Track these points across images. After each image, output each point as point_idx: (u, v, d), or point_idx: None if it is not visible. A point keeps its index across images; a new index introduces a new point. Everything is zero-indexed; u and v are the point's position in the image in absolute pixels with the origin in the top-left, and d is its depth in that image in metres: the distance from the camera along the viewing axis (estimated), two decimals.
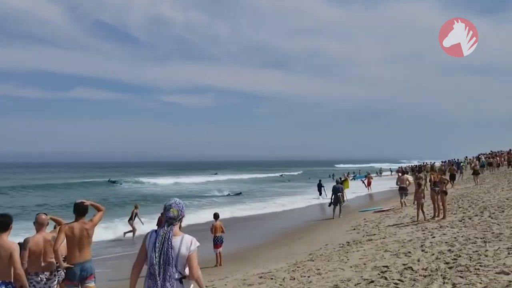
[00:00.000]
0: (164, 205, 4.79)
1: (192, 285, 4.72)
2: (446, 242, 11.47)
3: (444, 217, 16.17)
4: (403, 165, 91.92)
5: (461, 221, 14.93)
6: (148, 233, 4.78)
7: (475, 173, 32.74)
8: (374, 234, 15.15)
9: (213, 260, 14.57)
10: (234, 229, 21.19)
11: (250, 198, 42.05)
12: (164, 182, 71.31)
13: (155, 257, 4.50)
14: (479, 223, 13.91)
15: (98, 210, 7.83)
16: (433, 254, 10.24)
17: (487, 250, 9.72)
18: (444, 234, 12.90)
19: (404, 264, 9.57)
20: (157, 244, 4.54)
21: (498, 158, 47.67)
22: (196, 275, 4.57)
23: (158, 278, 4.47)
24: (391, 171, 79.45)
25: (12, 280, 6.38)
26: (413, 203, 18.56)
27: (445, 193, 16.69)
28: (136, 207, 22.24)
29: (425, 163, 61.61)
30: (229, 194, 48.07)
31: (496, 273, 7.85)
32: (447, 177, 21.44)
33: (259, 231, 21.59)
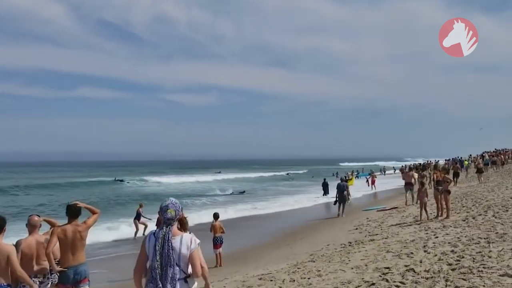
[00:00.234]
0: (160, 206, 4.67)
1: (196, 283, 4.66)
2: (449, 243, 11.28)
3: (447, 217, 15.97)
4: (407, 163, 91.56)
5: (464, 220, 14.74)
6: (146, 236, 4.69)
7: (479, 171, 32.51)
8: (377, 234, 14.96)
9: (213, 260, 14.41)
10: (236, 229, 21.07)
11: (253, 197, 41.93)
12: (168, 181, 71.25)
13: (157, 260, 4.43)
14: (483, 222, 13.72)
15: (93, 213, 7.67)
16: (435, 255, 10.05)
17: (490, 251, 9.54)
18: (447, 234, 12.71)
19: (406, 266, 9.39)
20: (157, 247, 4.46)
21: (502, 156, 47.39)
22: (200, 273, 4.52)
23: (158, 282, 4.39)
24: (394, 169, 79.14)
25: (10, 283, 6.26)
26: (416, 202, 18.35)
27: (449, 192, 16.49)
28: (140, 206, 22.12)
29: (429, 161, 61.37)
30: (232, 193, 47.94)
31: (499, 275, 7.67)
32: (450, 176, 21.21)
33: (261, 230, 21.42)
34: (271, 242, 18.05)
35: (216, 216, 15.17)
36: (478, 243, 10.65)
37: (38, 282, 7.49)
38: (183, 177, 78.43)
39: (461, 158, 55.92)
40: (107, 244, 19.42)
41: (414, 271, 8.80)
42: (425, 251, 10.67)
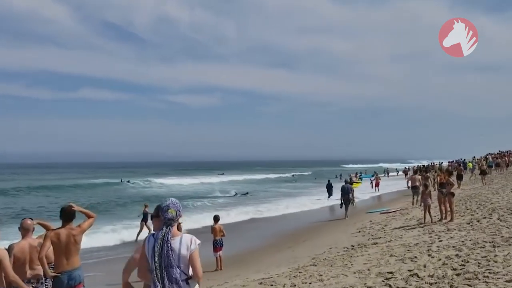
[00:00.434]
0: (161, 206, 4.56)
1: (197, 285, 4.53)
2: (453, 247, 11.06)
3: (451, 220, 15.74)
4: (410, 165, 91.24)
5: (469, 223, 14.51)
6: (146, 238, 4.60)
7: (483, 173, 32.26)
8: (380, 237, 14.74)
9: (213, 264, 14.22)
10: (237, 231, 20.92)
11: (256, 199, 41.76)
12: (171, 182, 71.15)
13: (155, 262, 4.33)
14: (488, 226, 13.50)
15: (89, 217, 7.50)
16: (440, 260, 9.84)
17: (496, 256, 9.32)
18: (451, 237, 12.48)
19: (409, 270, 9.18)
20: (156, 248, 4.36)
21: (506, 158, 47.05)
22: (201, 275, 4.41)
23: (157, 284, 4.31)
24: (397, 171, 78.76)
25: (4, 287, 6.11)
26: (420, 204, 18.12)
27: (453, 194, 16.25)
28: (145, 206, 21.95)
29: (432, 163, 61.10)
30: (235, 194, 47.75)
31: (506, 281, 7.46)
32: (454, 178, 20.97)
33: (263, 233, 21.24)
34: (273, 244, 17.86)
35: (216, 218, 14.97)
36: (483, 247, 10.43)
37: (32, 287, 7.31)
38: (185, 178, 78.34)
39: (464, 160, 55.63)
40: (108, 247, 19.22)
41: (418, 276, 8.60)
42: (429, 255, 10.45)
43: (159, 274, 4.32)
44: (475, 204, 19.09)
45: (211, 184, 67.69)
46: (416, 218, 17.97)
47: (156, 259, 4.33)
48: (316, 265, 11.79)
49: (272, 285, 10.16)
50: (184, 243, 4.40)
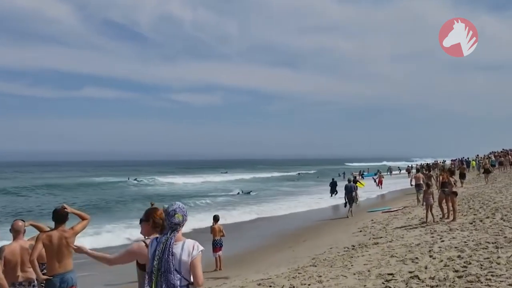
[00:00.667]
0: (167, 210, 4.39)
1: None
2: (455, 247, 10.89)
3: (454, 219, 15.55)
4: (414, 163, 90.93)
5: (471, 223, 14.32)
6: (150, 241, 4.48)
7: (486, 171, 32.03)
8: (381, 237, 14.55)
9: (213, 264, 14.07)
10: (238, 231, 20.80)
11: (259, 197, 41.51)
12: (173, 181, 70.89)
13: (154, 266, 4.21)
14: (491, 226, 13.32)
15: (82, 218, 7.34)
16: (441, 261, 9.67)
17: (499, 257, 9.15)
18: (453, 238, 12.30)
19: (410, 272, 9.02)
20: (157, 252, 4.24)
21: (510, 156, 46.71)
22: (201, 282, 4.23)
23: None
24: (400, 170, 78.30)
25: None
26: (422, 204, 17.92)
27: (455, 194, 16.04)
28: (152, 205, 21.77)
29: (436, 162, 60.82)
30: (238, 193, 47.49)
31: (508, 284, 7.30)
32: (456, 177, 20.75)
33: (265, 232, 21.06)
34: (273, 244, 17.68)
35: (216, 218, 14.81)
36: (486, 248, 10.26)
37: None
38: (188, 177, 78.16)
39: (467, 158, 55.32)
40: (111, 247, 19.03)
41: (418, 278, 8.43)
42: (430, 256, 10.28)
43: (155, 278, 4.20)
44: (478, 204, 18.89)
45: (214, 183, 67.46)
46: (418, 218, 17.78)
47: (155, 262, 4.22)
48: (316, 266, 11.62)
49: (270, 286, 10.01)
50: (186, 248, 4.27)
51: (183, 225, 4.41)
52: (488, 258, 9.25)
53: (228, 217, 25.18)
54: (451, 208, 15.97)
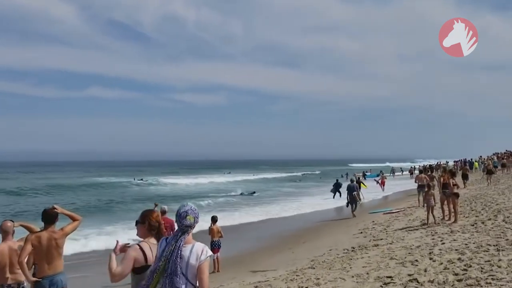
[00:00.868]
0: (178, 212, 4.27)
1: None
2: (456, 250, 10.70)
3: (455, 221, 15.36)
4: (417, 164, 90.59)
5: (473, 225, 14.13)
6: (160, 240, 4.40)
7: (488, 173, 31.79)
8: (381, 239, 14.37)
9: (211, 265, 13.88)
10: (238, 231, 20.70)
11: (262, 198, 41.39)
12: (177, 181, 70.74)
13: (159, 266, 4.11)
14: (492, 228, 13.13)
15: (73, 219, 7.19)
16: (441, 263, 9.49)
17: (500, 260, 8.96)
18: (454, 240, 12.11)
19: (409, 275, 8.84)
20: (165, 252, 4.14)
21: None
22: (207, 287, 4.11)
23: None
24: (402, 171, 77.91)
25: None
26: (422, 205, 17.73)
27: (457, 195, 15.83)
28: (155, 205, 21.64)
29: (439, 163, 60.59)
30: (241, 193, 47.29)
31: None
32: (459, 178, 20.56)
33: (265, 233, 20.88)
34: (273, 246, 17.49)
35: (214, 219, 14.66)
36: (487, 251, 10.07)
37: None
38: (191, 177, 78.04)
39: (471, 159, 55.03)
40: (109, 249, 18.92)
41: (417, 282, 8.26)
42: (430, 259, 10.10)
43: (156, 279, 4.09)
44: (480, 205, 18.68)
45: (217, 183, 67.27)
46: (419, 219, 17.59)
47: (161, 263, 4.10)
48: (314, 268, 11.47)
49: None
50: (195, 252, 4.16)
51: (194, 227, 4.30)
52: (489, 261, 9.07)
53: (229, 218, 25.06)
54: (452, 210, 15.78)
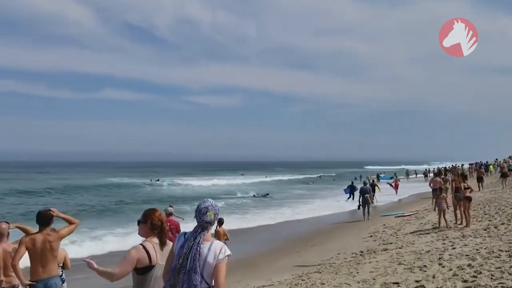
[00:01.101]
0: (198, 208, 4.18)
1: None
2: (466, 255, 10.39)
3: (467, 225, 15.02)
4: (432, 167, 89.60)
5: (485, 230, 13.78)
6: (178, 235, 4.29)
7: (503, 175, 31.24)
8: (391, 243, 14.09)
9: None
10: (248, 234, 20.52)
11: (274, 200, 41.12)
12: (190, 182, 70.53)
13: (178, 263, 3.98)
14: (505, 233, 12.78)
15: (70, 223, 7.04)
16: (450, 269, 9.21)
17: (511, 267, 8.64)
18: (465, 245, 11.79)
19: (417, 281, 8.59)
20: (185, 249, 4.00)
21: None
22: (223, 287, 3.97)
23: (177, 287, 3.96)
24: (416, 173, 77.02)
25: None
26: (434, 209, 17.36)
27: (469, 199, 15.45)
28: (170, 207, 21.57)
29: (454, 165, 59.87)
30: (254, 195, 46.97)
31: None
32: (473, 181, 20.16)
33: (275, 236, 20.69)
34: (281, 249, 17.26)
35: (220, 221, 14.44)
36: (498, 257, 9.76)
37: None
38: (205, 179, 77.83)
39: (486, 162, 54.27)
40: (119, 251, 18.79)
41: None
42: (439, 264, 9.83)
43: (180, 276, 3.95)
44: (493, 209, 18.26)
45: (230, 185, 66.96)
46: (431, 223, 17.24)
47: (181, 260, 3.97)
48: (320, 272, 11.23)
49: None
50: (213, 250, 4.03)
51: (213, 224, 4.23)
52: (499, 267, 8.77)
53: (240, 220, 24.89)
54: (464, 214, 15.43)
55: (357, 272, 10.38)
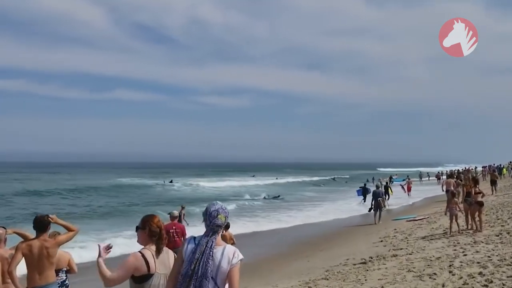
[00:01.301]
0: (208, 211, 4.05)
1: None
2: (478, 263, 10.11)
3: (480, 230, 14.69)
4: (445, 169, 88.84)
5: (498, 235, 13.44)
6: (185, 240, 4.15)
7: None
8: (401, 248, 13.78)
9: None
10: (256, 238, 20.29)
11: (284, 203, 40.84)
12: (200, 183, 70.31)
13: (190, 269, 3.86)
14: None
15: (69, 230, 6.88)
16: (461, 278, 8.95)
17: None
18: (477, 251, 11.49)
19: None
20: (197, 254, 3.89)
21: None
22: None
23: None
24: (429, 176, 76.20)
25: None
26: (445, 214, 17.02)
27: (480, 204, 15.07)
28: (182, 208, 21.53)
29: (466, 168, 59.22)
30: (264, 197, 46.69)
31: None
32: (486, 184, 19.79)
33: (284, 240, 20.47)
34: (290, 253, 17.03)
35: (227, 225, 14.24)
36: (510, 265, 9.47)
37: None
38: (215, 180, 77.71)
39: (500, 165, 53.55)
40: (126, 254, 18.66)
41: None
42: (450, 272, 9.56)
43: (192, 282, 3.83)
44: (506, 214, 17.87)
45: (241, 187, 66.73)
46: (443, 228, 16.90)
47: (193, 266, 3.85)
48: (328, 279, 11.00)
49: None
50: (226, 255, 3.94)
51: (224, 227, 4.13)
52: (511, 276, 8.49)
53: (248, 224, 24.68)
54: (477, 219, 15.09)
55: (365, 280, 10.14)
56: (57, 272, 7.33)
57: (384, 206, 25.74)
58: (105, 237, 20.48)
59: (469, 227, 15.38)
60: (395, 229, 18.84)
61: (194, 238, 4.07)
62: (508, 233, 13.55)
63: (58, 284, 7.30)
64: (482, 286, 8.13)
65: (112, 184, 65.46)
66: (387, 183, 41.57)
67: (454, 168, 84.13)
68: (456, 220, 15.48)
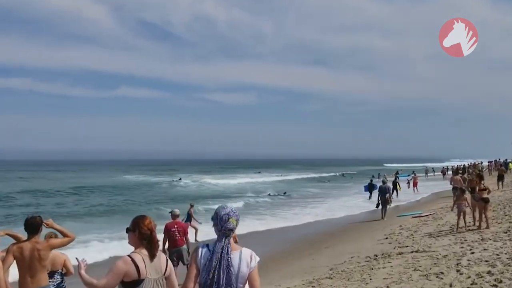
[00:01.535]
0: (219, 215, 3.95)
1: None
2: (486, 261, 9.85)
3: (487, 227, 14.39)
4: (450, 164, 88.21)
5: (506, 232, 13.16)
6: (197, 248, 4.00)
7: None
8: (407, 246, 13.49)
9: None
10: (259, 236, 20.00)
11: (289, 200, 40.43)
12: (205, 180, 70.03)
13: (209, 278, 3.76)
14: None
15: (65, 236, 6.65)
16: (469, 277, 8.69)
17: None
18: (485, 249, 11.21)
19: None
20: (213, 262, 3.78)
21: None
22: None
23: None
24: (434, 171, 75.51)
25: None
26: (451, 210, 16.72)
27: (485, 201, 14.74)
28: (191, 206, 21.35)
29: (473, 163, 58.77)
30: (269, 194, 46.26)
31: None
32: (493, 179, 19.50)
33: (289, 237, 20.18)
34: (294, 251, 16.76)
35: None
36: None
37: None
38: (221, 177, 77.33)
39: (505, 160, 53.09)
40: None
41: None
42: (457, 271, 9.30)
43: None
44: None
45: (246, 183, 66.34)
46: (449, 224, 16.60)
47: (211, 275, 3.75)
48: (332, 278, 10.75)
49: None
50: (244, 259, 3.86)
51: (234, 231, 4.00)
52: None
53: (253, 222, 24.36)
54: (482, 216, 14.78)
55: (370, 279, 9.89)
56: (52, 274, 7.13)
57: (391, 202, 25.46)
58: (106, 236, 20.27)
59: (477, 223, 15.09)
60: (401, 226, 18.55)
61: (208, 245, 3.94)
62: None
63: (54, 286, 7.09)
64: (492, 286, 7.88)
65: (116, 181, 65.38)
66: (395, 178, 41.16)
67: (461, 163, 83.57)
68: (464, 217, 15.18)
